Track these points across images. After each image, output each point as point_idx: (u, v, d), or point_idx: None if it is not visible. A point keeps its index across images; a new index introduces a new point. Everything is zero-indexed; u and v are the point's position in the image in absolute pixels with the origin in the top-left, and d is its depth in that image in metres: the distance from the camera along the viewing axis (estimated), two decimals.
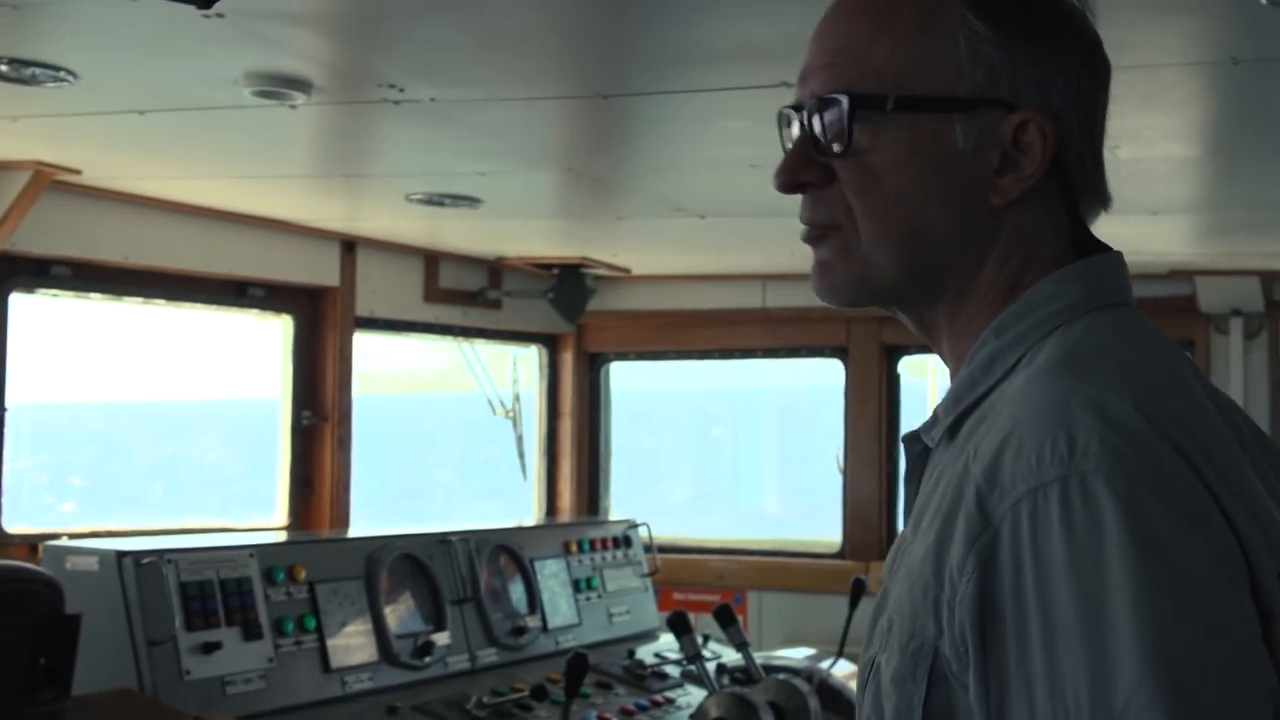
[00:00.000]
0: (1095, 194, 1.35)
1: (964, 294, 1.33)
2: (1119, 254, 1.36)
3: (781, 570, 5.78)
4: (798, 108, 1.35)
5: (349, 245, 5.00)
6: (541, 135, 3.42)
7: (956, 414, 1.30)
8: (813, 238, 1.39)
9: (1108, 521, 1.09)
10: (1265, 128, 3.07)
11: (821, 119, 1.32)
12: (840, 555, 5.72)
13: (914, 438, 1.37)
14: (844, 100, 1.29)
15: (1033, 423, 1.15)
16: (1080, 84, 1.31)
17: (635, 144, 3.59)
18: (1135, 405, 1.14)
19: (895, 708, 1.21)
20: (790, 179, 1.36)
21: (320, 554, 3.28)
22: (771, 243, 4.94)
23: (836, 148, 1.31)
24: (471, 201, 4.21)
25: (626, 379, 6.26)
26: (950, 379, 1.37)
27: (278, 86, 2.77)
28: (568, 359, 6.03)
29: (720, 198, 4.16)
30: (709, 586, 5.53)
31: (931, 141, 1.29)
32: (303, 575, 3.16)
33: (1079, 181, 1.33)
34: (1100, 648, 1.07)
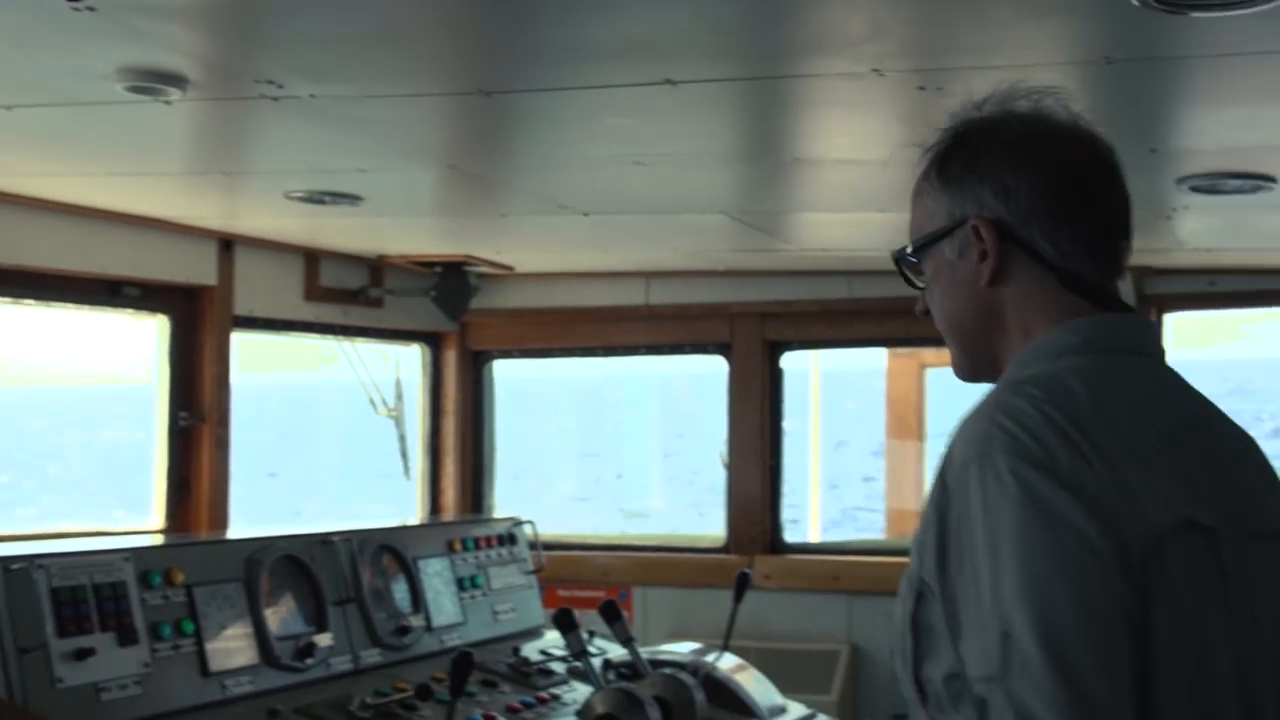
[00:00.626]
0: (1075, 257, 1.82)
1: (1008, 353, 1.86)
2: (1131, 312, 1.91)
3: (666, 565, 5.81)
4: None
5: (227, 244, 4.92)
6: (423, 132, 3.40)
7: None
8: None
9: (1005, 480, 1.63)
10: (1138, 126, 3.14)
11: (900, 267, 1.99)
12: (725, 550, 5.76)
13: None
14: (900, 255, 1.97)
15: (978, 417, 1.72)
16: (1013, 184, 1.83)
17: (519, 141, 3.58)
18: (1037, 408, 1.68)
19: (899, 616, 1.75)
20: (919, 305, 1.99)
21: (198, 556, 3.21)
22: (655, 240, 4.96)
23: (908, 278, 1.98)
24: (352, 199, 4.17)
25: (511, 367, 6.24)
26: None
27: (152, 82, 2.72)
28: (451, 357, 6.00)
29: (604, 195, 4.16)
30: (594, 583, 5.54)
31: (940, 262, 1.89)
32: (180, 578, 3.10)
33: (1042, 250, 1.82)
34: (996, 565, 1.61)
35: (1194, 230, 4.37)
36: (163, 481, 4.83)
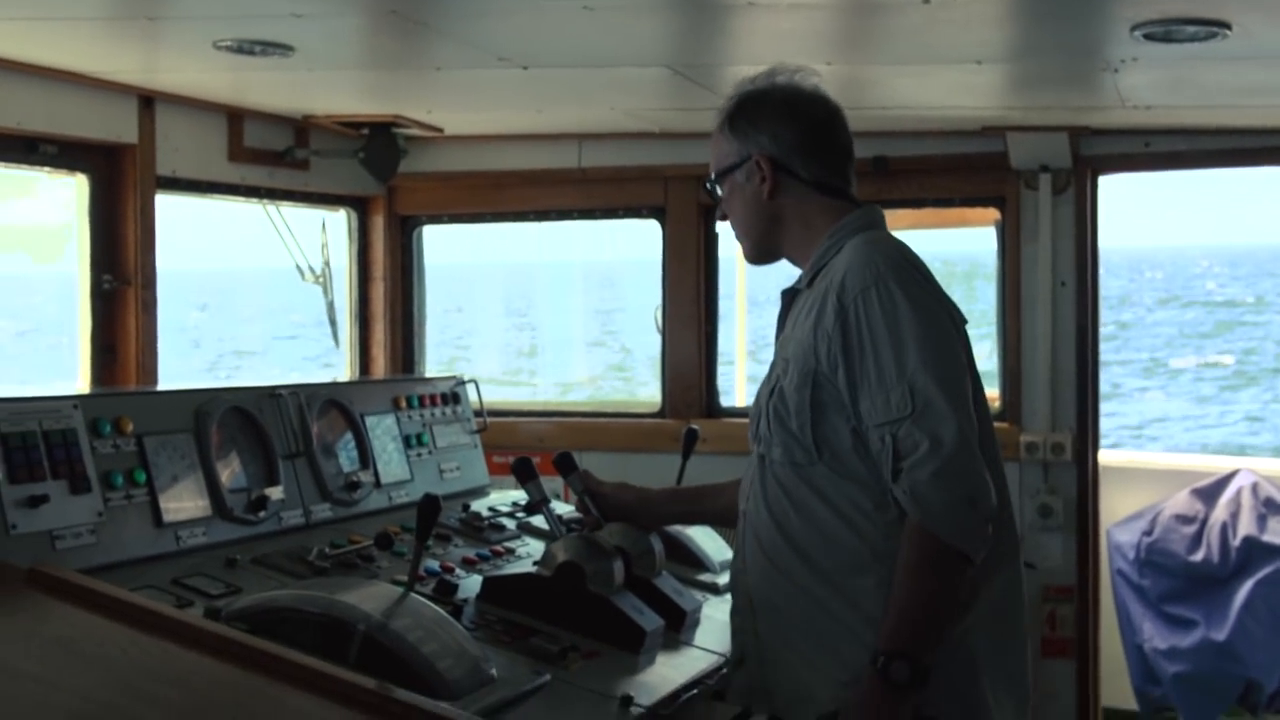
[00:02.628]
0: (825, 177, 2.86)
1: (789, 243, 2.89)
2: (875, 205, 2.90)
3: (602, 431, 5.77)
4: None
5: (147, 100, 4.73)
6: None
7: (813, 273, 2.82)
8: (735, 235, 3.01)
9: (897, 296, 2.63)
10: None
11: (709, 190, 3.00)
12: (660, 414, 5.74)
13: (790, 290, 2.89)
14: (708, 181, 2.99)
15: (858, 263, 2.69)
16: (780, 132, 2.84)
17: None
18: (899, 255, 2.73)
19: (795, 402, 2.71)
20: (719, 212, 3.00)
21: (147, 406, 3.11)
22: (594, 97, 4.86)
23: (714, 196, 2.98)
24: (283, 50, 4.01)
25: (439, 250, 6.13)
26: (803, 267, 2.88)
27: None
28: (379, 222, 5.87)
29: (547, 46, 4.04)
30: (529, 449, 5.45)
31: (735, 186, 2.90)
32: (130, 428, 3.00)
33: (806, 175, 2.85)
34: (900, 349, 2.60)
35: (1137, 85, 4.35)
36: (87, 346, 4.68)
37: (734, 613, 2.94)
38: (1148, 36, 3.64)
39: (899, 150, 5.31)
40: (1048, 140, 5.14)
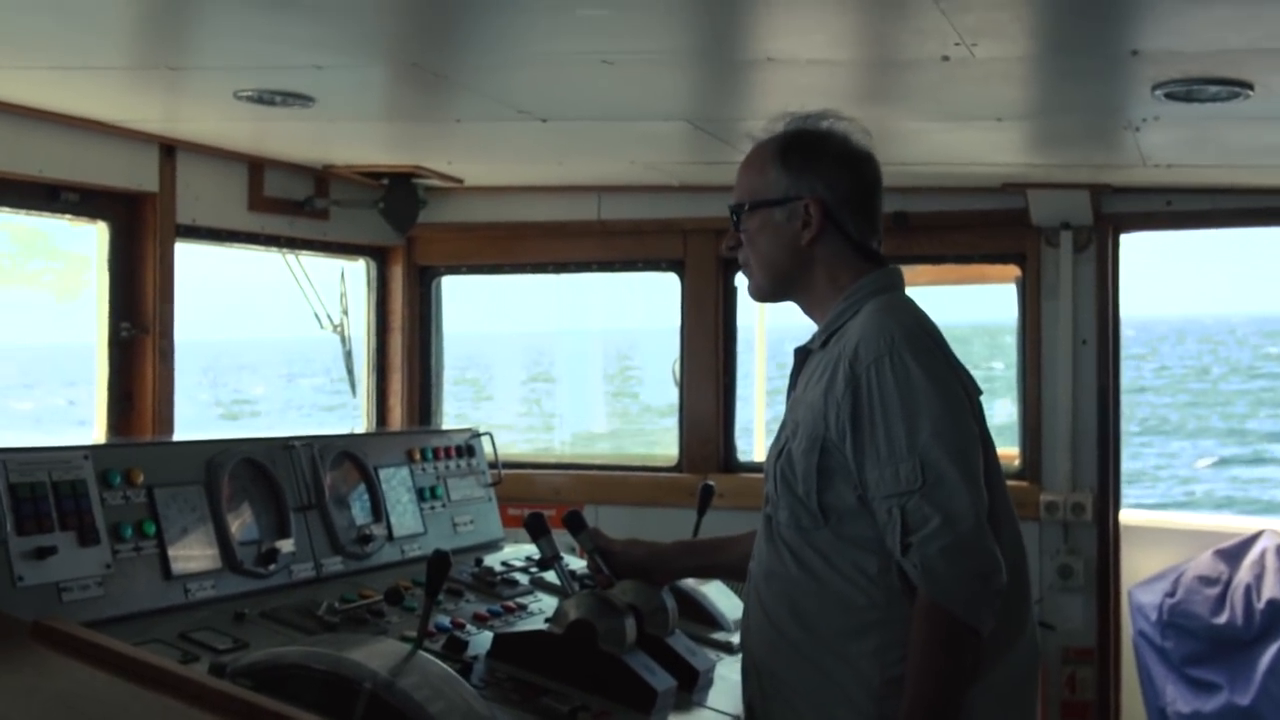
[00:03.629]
0: (865, 236, 2.81)
1: (810, 289, 2.82)
2: (897, 267, 2.83)
3: (619, 484, 5.75)
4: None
5: (168, 149, 4.76)
6: (382, 22, 3.27)
7: (827, 335, 2.75)
8: (741, 268, 2.92)
9: (911, 366, 2.59)
10: (1123, 25, 3.09)
11: (733, 214, 2.85)
12: (678, 469, 5.71)
13: (803, 349, 2.84)
14: (737, 207, 2.84)
15: (873, 330, 2.64)
16: (835, 183, 2.77)
17: (483, 34, 3.44)
18: (914, 323, 2.69)
19: (803, 467, 2.66)
20: (729, 240, 2.88)
21: (158, 457, 3.09)
22: (613, 149, 4.86)
23: (735, 224, 2.85)
24: (304, 100, 4.03)
25: (459, 317, 6.12)
26: (817, 323, 2.82)
27: None
28: (398, 272, 5.87)
29: (567, 98, 4.05)
30: (546, 501, 5.43)
31: (768, 220, 2.80)
32: (140, 479, 2.97)
33: (852, 231, 2.79)
34: (912, 420, 2.56)
35: (1158, 144, 4.33)
36: (104, 394, 4.68)
37: (742, 674, 2.91)
38: (1169, 96, 3.62)
39: (919, 206, 5.31)
40: (1069, 198, 5.12)
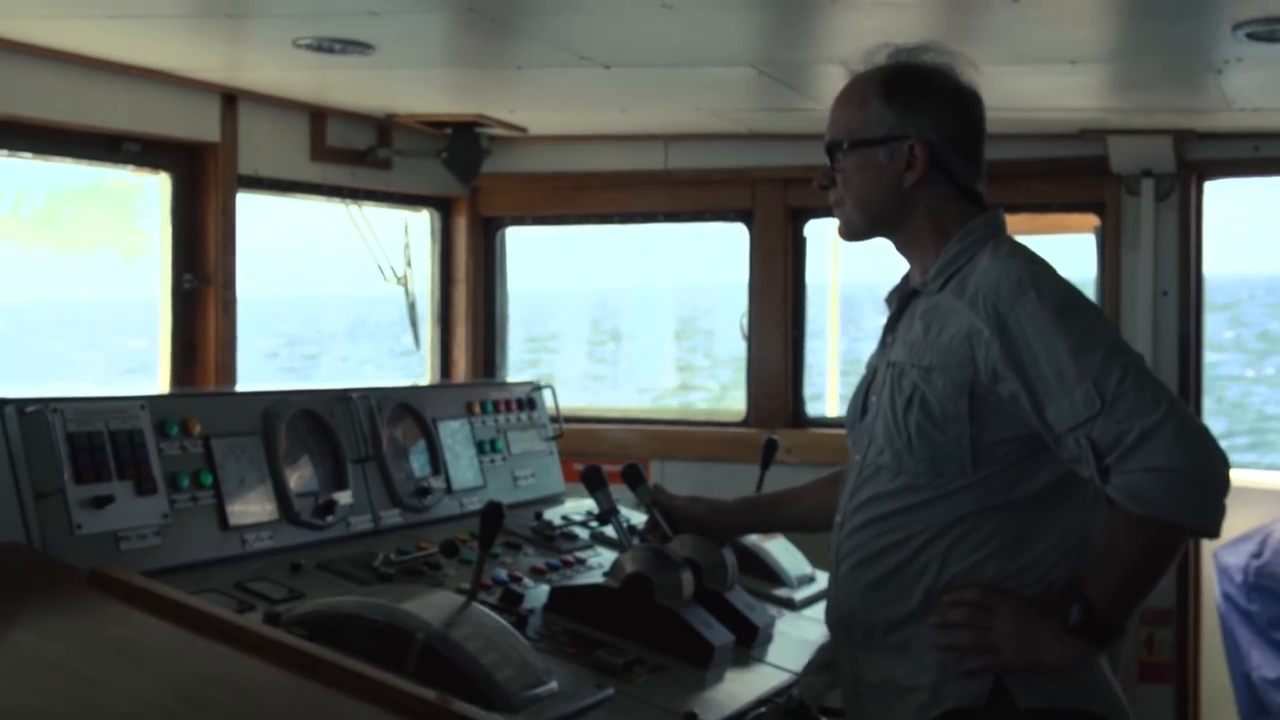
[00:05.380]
0: (970, 179, 2.68)
1: (908, 229, 2.68)
2: (1000, 209, 2.70)
3: (684, 439, 5.69)
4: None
5: (230, 99, 4.73)
6: None
7: (945, 277, 2.62)
8: (833, 206, 2.75)
9: (1057, 298, 2.49)
10: None
11: (829, 151, 2.70)
12: (745, 423, 5.64)
13: (908, 292, 2.72)
14: (834, 144, 2.69)
15: (1008, 269, 2.53)
16: (943, 123, 2.63)
17: None
18: (1041, 260, 2.59)
19: (953, 411, 2.53)
20: (820, 178, 2.73)
21: (214, 408, 3.06)
22: (678, 97, 4.77)
23: (831, 160, 2.70)
24: (363, 47, 3.99)
25: (522, 276, 6.06)
26: (913, 262, 2.72)
27: None
28: (461, 223, 5.83)
29: (628, 44, 3.97)
30: (610, 456, 5.39)
31: (869, 159, 2.65)
32: (197, 429, 2.95)
33: (957, 173, 2.65)
34: (1073, 348, 2.43)
35: (1242, 87, 4.19)
36: (168, 345, 4.68)
37: (831, 628, 2.81)
38: (1251, 36, 3.49)
39: (994, 154, 5.09)
40: (1150, 144, 4.96)
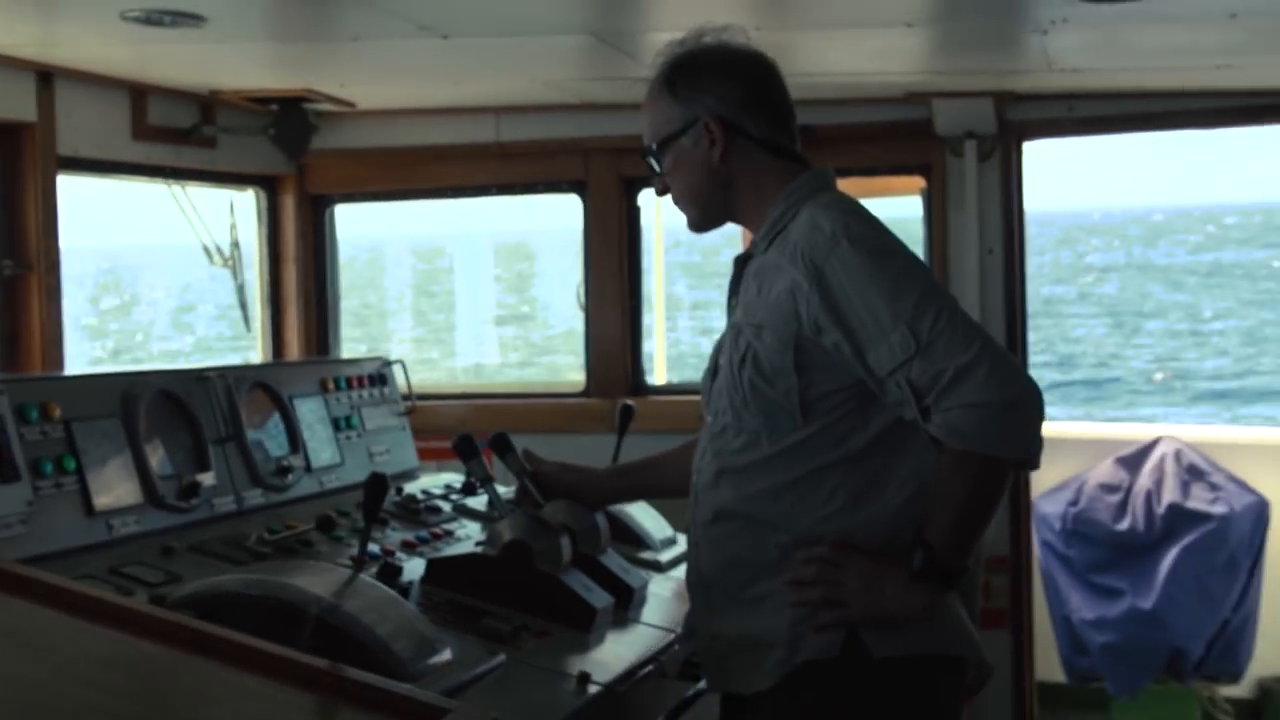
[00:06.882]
0: (774, 133, 2.74)
1: (741, 207, 2.77)
2: (827, 167, 2.80)
3: (526, 412, 5.66)
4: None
5: (45, 76, 4.52)
6: None
7: (770, 237, 2.70)
8: (675, 204, 2.85)
9: (870, 244, 2.56)
10: None
11: (648, 158, 2.81)
12: (585, 394, 5.64)
13: (744, 256, 2.79)
14: (647, 150, 2.80)
15: (825, 220, 2.59)
16: (725, 94, 2.71)
17: None
18: (860, 209, 2.67)
19: (779, 366, 2.60)
20: (657, 185, 2.84)
21: (73, 390, 2.95)
22: (514, 67, 4.74)
23: (654, 167, 2.81)
24: (194, 20, 3.85)
25: (347, 224, 5.96)
26: (754, 231, 2.78)
27: None
28: (289, 202, 5.68)
29: (470, 13, 3.92)
30: (452, 432, 5.33)
31: (680, 152, 2.74)
32: (57, 413, 2.84)
33: (755, 132, 2.72)
34: (887, 292, 2.50)
35: (1065, 47, 4.34)
36: None
37: (690, 589, 2.86)
38: None
39: (823, 118, 5.26)
40: (973, 106, 5.11)
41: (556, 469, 3.29)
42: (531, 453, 3.32)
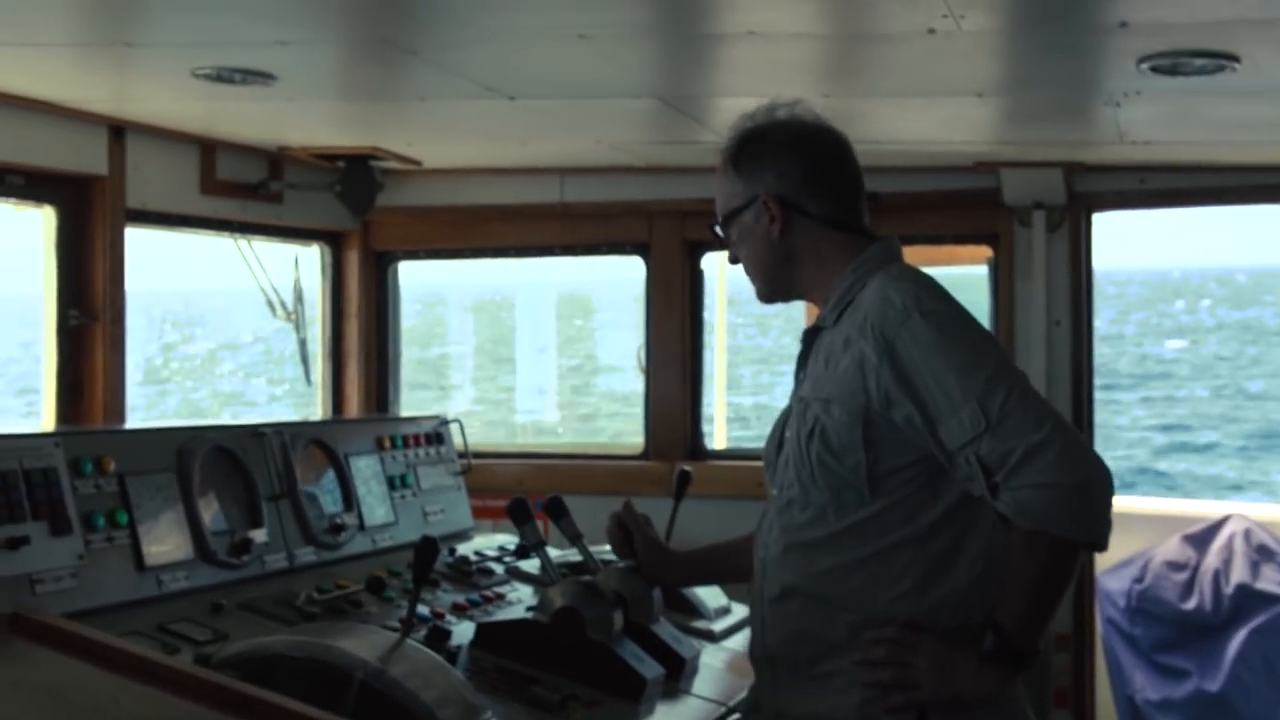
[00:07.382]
0: (838, 210, 2.76)
1: (804, 279, 2.77)
2: (894, 237, 2.80)
3: (584, 473, 5.63)
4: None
5: (117, 130, 4.59)
6: None
7: (839, 310, 2.69)
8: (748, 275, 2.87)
9: (942, 318, 2.54)
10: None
11: (717, 231, 2.86)
12: (643, 456, 5.61)
13: (813, 330, 2.78)
14: (715, 223, 2.86)
15: (895, 294, 2.58)
16: (786, 171, 2.73)
17: (453, 6, 3.33)
18: (930, 281, 2.65)
19: (845, 441, 2.59)
20: (730, 255, 2.85)
21: (129, 444, 2.95)
22: (580, 129, 4.75)
23: (727, 240, 2.84)
24: (265, 78, 3.89)
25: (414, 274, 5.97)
26: (819, 305, 2.78)
27: None
28: (353, 257, 5.72)
29: (537, 75, 3.93)
30: (508, 492, 5.31)
31: (744, 227, 2.77)
32: (111, 467, 2.84)
33: (815, 210, 2.74)
34: (958, 367, 2.48)
35: (1137, 120, 4.28)
36: (53, 383, 4.51)
37: (755, 664, 2.81)
38: (1155, 69, 3.57)
39: (890, 186, 5.23)
40: (1042, 176, 5.06)
41: (645, 546, 3.22)
42: (637, 512, 3.26)
